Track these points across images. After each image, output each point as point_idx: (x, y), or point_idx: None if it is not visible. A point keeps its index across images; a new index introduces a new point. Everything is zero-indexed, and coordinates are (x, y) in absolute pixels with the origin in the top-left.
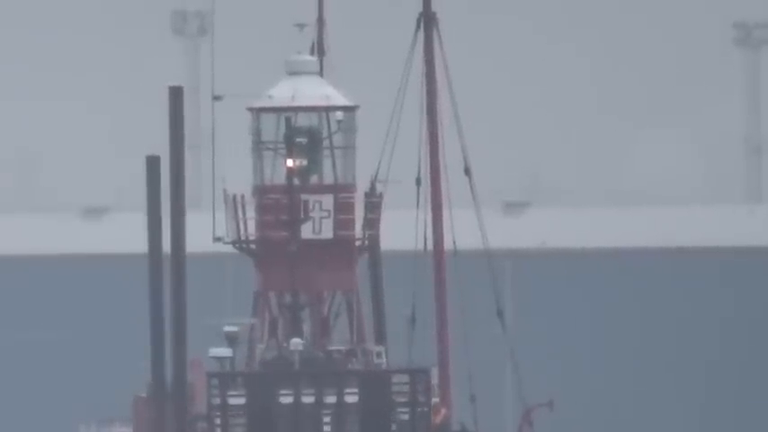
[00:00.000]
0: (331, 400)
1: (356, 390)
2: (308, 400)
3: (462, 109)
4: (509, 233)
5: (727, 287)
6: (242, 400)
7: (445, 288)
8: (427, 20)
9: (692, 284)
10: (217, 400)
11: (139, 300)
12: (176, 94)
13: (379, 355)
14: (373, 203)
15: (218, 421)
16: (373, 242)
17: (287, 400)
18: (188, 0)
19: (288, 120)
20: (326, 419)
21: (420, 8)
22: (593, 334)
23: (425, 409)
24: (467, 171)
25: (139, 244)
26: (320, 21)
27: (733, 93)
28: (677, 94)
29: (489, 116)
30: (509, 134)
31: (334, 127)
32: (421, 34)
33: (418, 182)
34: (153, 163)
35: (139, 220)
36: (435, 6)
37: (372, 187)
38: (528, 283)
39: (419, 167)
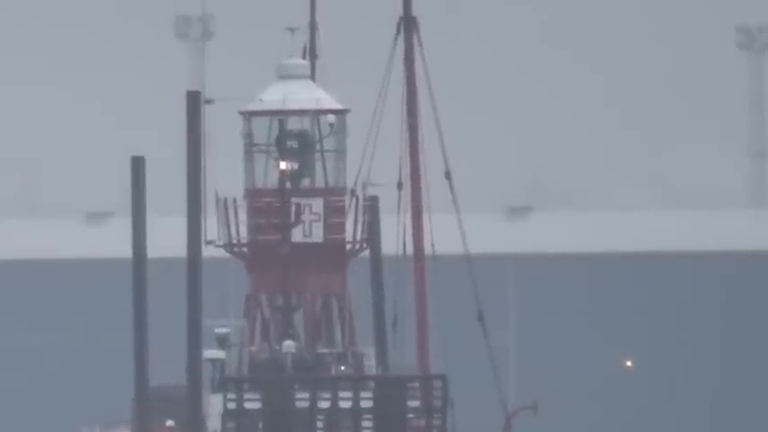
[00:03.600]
0: (347, 404)
1: (371, 395)
2: (323, 404)
3: (466, 114)
4: (512, 238)
5: (730, 291)
6: (257, 405)
7: (425, 292)
8: (407, 23)
9: (695, 288)
10: (232, 405)
11: None
12: (194, 99)
13: (369, 358)
14: (372, 207)
15: (231, 425)
16: (375, 245)
17: (302, 404)
18: (191, 5)
19: (279, 123)
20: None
21: (401, 12)
22: (595, 338)
23: (440, 414)
24: (447, 175)
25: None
26: (312, 24)
27: (737, 96)
28: (680, 98)
29: (493, 121)
30: (513, 139)
31: (325, 130)
32: (401, 38)
33: (399, 185)
34: (137, 164)
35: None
36: (416, 10)
37: (353, 191)
38: (531, 287)
39: (400, 171)
